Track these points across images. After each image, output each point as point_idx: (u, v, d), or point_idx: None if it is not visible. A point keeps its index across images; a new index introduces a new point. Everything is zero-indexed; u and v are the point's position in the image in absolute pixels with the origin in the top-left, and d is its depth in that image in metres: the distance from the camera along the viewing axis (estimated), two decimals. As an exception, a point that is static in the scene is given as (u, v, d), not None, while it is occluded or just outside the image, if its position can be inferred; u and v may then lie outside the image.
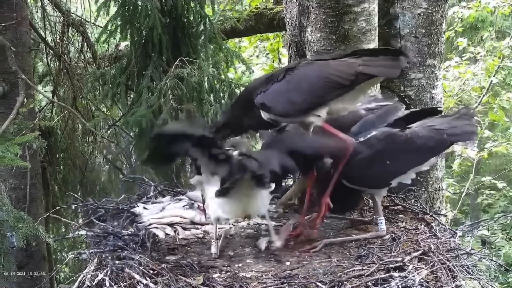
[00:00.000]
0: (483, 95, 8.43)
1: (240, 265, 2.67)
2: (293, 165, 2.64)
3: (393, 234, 2.87)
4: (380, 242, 2.82)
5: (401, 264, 2.51)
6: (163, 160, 2.82)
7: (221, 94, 4.97)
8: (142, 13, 4.82)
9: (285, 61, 7.73)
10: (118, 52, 6.15)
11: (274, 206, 3.30)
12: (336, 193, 2.85)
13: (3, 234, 3.50)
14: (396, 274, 2.44)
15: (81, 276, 2.76)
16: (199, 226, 3.18)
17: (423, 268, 2.53)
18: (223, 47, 5.19)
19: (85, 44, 6.04)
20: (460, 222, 8.02)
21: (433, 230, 3.00)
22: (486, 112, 8.56)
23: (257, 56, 9.77)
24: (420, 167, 2.96)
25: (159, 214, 3.28)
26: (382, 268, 2.48)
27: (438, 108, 3.30)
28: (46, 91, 6.34)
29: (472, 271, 2.71)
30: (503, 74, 9.16)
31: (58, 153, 5.96)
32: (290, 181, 3.65)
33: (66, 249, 5.94)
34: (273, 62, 8.86)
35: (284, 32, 6.82)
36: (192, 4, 5.00)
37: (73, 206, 4.46)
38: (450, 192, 6.86)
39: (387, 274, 2.44)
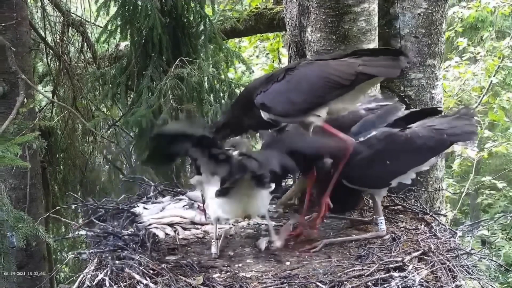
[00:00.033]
0: (483, 95, 8.43)
1: (240, 265, 2.67)
2: (293, 165, 2.64)
3: (393, 234, 2.87)
4: (380, 242, 2.82)
5: (401, 264, 2.51)
6: (163, 160, 2.82)
7: (221, 94, 4.97)
8: (142, 13, 4.82)
9: (285, 61, 7.74)
10: (118, 52, 6.15)
11: (274, 206, 3.30)
12: (336, 193, 2.85)
13: (3, 234, 3.50)
14: (396, 274, 2.44)
15: (81, 276, 2.76)
16: (199, 226, 3.18)
17: (423, 268, 2.53)
18: (223, 47, 5.19)
19: (85, 44, 6.04)
20: (460, 222, 8.02)
21: (433, 230, 3.00)
22: (486, 112, 8.56)
23: (257, 56, 9.77)
24: (420, 167, 2.96)
25: (159, 214, 3.28)
26: (382, 268, 2.48)
27: (438, 108, 3.30)
28: (46, 91, 6.34)
29: (472, 271, 2.71)
30: (503, 74, 9.16)
31: (58, 153, 5.96)
32: (290, 181, 3.65)
33: (66, 249, 5.94)
34: (273, 62, 8.86)
35: (284, 32, 6.82)
36: (192, 4, 5.00)
37: (73, 206, 4.46)
38: (450, 192, 6.86)
39: (387, 274, 2.44)
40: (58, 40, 5.87)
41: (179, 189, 3.68)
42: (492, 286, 2.80)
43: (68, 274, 5.83)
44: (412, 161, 2.91)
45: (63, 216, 5.23)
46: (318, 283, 2.37)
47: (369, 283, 2.38)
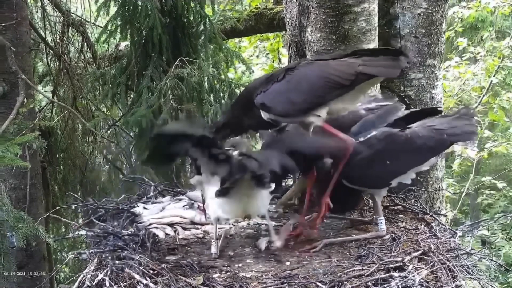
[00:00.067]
0: (483, 95, 8.43)
1: (240, 265, 2.67)
2: (293, 165, 2.63)
3: (393, 234, 2.87)
4: (380, 242, 2.82)
5: (401, 264, 2.51)
6: (163, 160, 2.82)
7: (221, 94, 4.96)
8: (142, 13, 4.82)
9: (285, 61, 7.74)
10: (118, 52, 6.15)
11: (274, 206, 3.30)
12: (336, 193, 2.85)
13: (3, 234, 3.50)
14: (396, 274, 2.44)
15: (81, 276, 2.76)
16: (199, 226, 3.18)
17: (423, 268, 2.53)
18: (223, 47, 5.19)
19: (85, 44, 6.04)
20: (460, 222, 8.01)
21: (433, 230, 3.00)
22: (486, 112, 8.56)
23: (257, 56, 9.77)
24: (420, 167, 2.96)
25: (159, 214, 3.28)
26: (382, 268, 2.48)
27: (438, 108, 3.30)
28: (46, 91, 6.34)
29: (472, 271, 2.71)
30: (503, 74, 9.16)
31: (58, 153, 5.96)
32: (290, 181, 3.65)
33: (66, 249, 5.94)
34: (273, 62, 8.86)
35: (284, 32, 6.82)
36: (192, 4, 5.00)
37: (73, 206, 4.46)
38: (450, 192, 6.86)
39: (387, 274, 2.44)
40: (58, 40, 5.87)
41: (179, 189, 3.68)
42: (492, 286, 2.80)
43: (68, 274, 5.83)
44: (412, 161, 2.91)
45: (63, 216, 5.23)
46: (318, 283, 2.37)
47: (369, 283, 2.38)
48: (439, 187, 3.68)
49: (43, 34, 5.88)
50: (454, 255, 2.77)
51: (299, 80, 2.69)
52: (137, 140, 5.06)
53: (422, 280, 2.42)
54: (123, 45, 6.07)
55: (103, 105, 5.78)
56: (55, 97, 5.87)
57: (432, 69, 3.65)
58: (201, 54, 5.03)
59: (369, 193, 3.02)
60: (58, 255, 6.11)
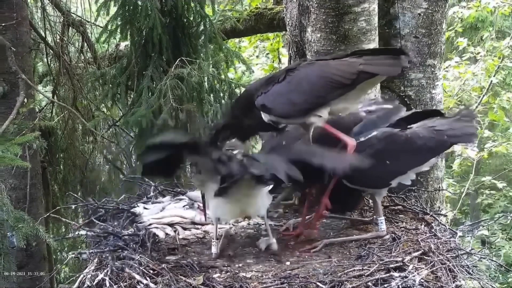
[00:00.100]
0: (483, 95, 8.43)
1: (240, 265, 2.67)
2: (299, 176, 2.50)
3: (393, 234, 2.87)
4: (380, 242, 2.82)
5: (401, 264, 2.51)
6: (161, 172, 2.81)
7: (221, 94, 4.96)
8: (142, 13, 4.81)
9: (285, 61, 7.73)
10: (118, 52, 6.15)
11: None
12: (336, 193, 2.85)
13: (3, 234, 3.50)
14: (396, 274, 2.44)
15: (81, 276, 2.76)
16: (199, 226, 3.18)
17: (423, 268, 2.53)
18: (223, 47, 5.18)
19: (85, 44, 6.04)
20: (460, 222, 8.02)
21: (433, 230, 3.00)
22: (486, 112, 8.56)
23: (257, 56, 9.77)
24: (420, 167, 2.96)
25: (159, 214, 3.28)
26: (382, 268, 2.48)
27: (439, 109, 3.30)
28: (46, 91, 6.34)
29: (472, 271, 2.71)
30: (503, 74, 9.16)
31: (58, 153, 5.96)
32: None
33: (66, 249, 5.94)
34: (273, 62, 8.85)
35: (284, 32, 6.82)
36: (192, 4, 4.99)
37: (73, 206, 4.47)
38: (450, 192, 6.85)
39: (387, 274, 2.44)
40: (58, 40, 5.87)
41: (179, 189, 3.67)
42: (492, 286, 2.80)
43: (68, 274, 5.84)
44: (412, 162, 2.91)
45: (63, 216, 5.24)
46: (318, 283, 2.37)
47: (369, 283, 2.38)
48: (439, 187, 3.68)
49: (43, 34, 5.88)
50: (454, 255, 2.77)
51: (300, 80, 2.69)
52: (137, 140, 5.05)
53: (422, 280, 2.42)
54: (123, 45, 6.07)
55: (103, 105, 5.77)
56: (55, 97, 5.87)
57: (432, 69, 3.66)
58: (201, 54, 5.02)
59: (369, 193, 3.02)
60: (58, 255, 6.11)
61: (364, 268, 2.49)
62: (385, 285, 2.37)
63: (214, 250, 2.78)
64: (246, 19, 6.09)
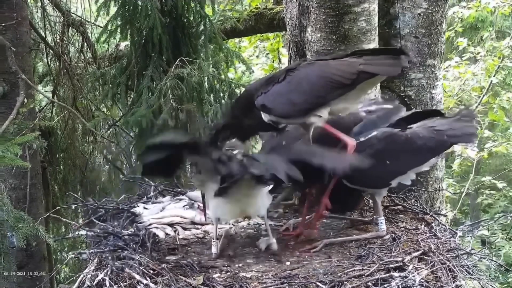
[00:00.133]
0: (483, 95, 8.43)
1: (240, 265, 2.67)
2: (300, 177, 2.50)
3: (393, 234, 2.87)
4: (380, 242, 2.82)
5: (401, 264, 2.51)
6: (161, 172, 2.81)
7: (221, 94, 4.96)
8: (142, 13, 4.81)
9: (285, 61, 7.73)
10: (118, 52, 6.15)
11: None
12: (336, 193, 2.85)
13: (3, 234, 3.50)
14: (396, 274, 2.44)
15: (81, 276, 2.76)
16: (199, 226, 3.18)
17: (423, 268, 2.53)
18: (223, 47, 5.18)
19: (85, 44, 6.05)
20: (460, 222, 8.02)
21: (433, 230, 3.00)
22: (486, 112, 8.56)
23: (257, 56, 9.77)
24: (420, 167, 2.96)
25: (159, 214, 3.28)
26: (382, 268, 2.48)
27: (439, 110, 3.30)
28: (46, 91, 6.34)
29: (472, 271, 2.71)
30: (503, 74, 9.16)
31: (58, 153, 5.96)
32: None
33: (66, 249, 5.94)
34: (273, 62, 8.85)
35: (284, 32, 6.82)
36: (192, 4, 4.99)
37: (73, 206, 4.47)
38: (450, 192, 6.86)
39: (387, 274, 2.44)
40: (58, 40, 5.87)
41: (179, 189, 3.67)
42: (492, 286, 2.80)
43: (68, 274, 5.84)
44: (412, 162, 2.91)
45: (63, 216, 5.24)
46: (318, 283, 2.37)
47: (369, 283, 2.38)
48: (439, 187, 3.68)
49: (43, 34, 5.88)
50: (454, 255, 2.77)
51: (300, 80, 2.69)
52: (137, 140, 5.05)
53: (422, 280, 2.42)
54: (123, 45, 6.07)
55: (103, 105, 5.77)
56: (55, 97, 5.87)
57: (432, 69, 3.66)
58: (201, 54, 5.02)
59: (369, 193, 3.02)
60: (58, 255, 6.11)
61: (364, 268, 2.49)
62: (385, 285, 2.37)
63: (214, 250, 2.78)
64: (246, 19, 6.10)
